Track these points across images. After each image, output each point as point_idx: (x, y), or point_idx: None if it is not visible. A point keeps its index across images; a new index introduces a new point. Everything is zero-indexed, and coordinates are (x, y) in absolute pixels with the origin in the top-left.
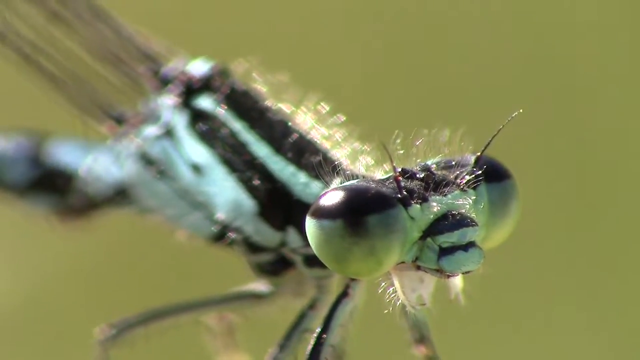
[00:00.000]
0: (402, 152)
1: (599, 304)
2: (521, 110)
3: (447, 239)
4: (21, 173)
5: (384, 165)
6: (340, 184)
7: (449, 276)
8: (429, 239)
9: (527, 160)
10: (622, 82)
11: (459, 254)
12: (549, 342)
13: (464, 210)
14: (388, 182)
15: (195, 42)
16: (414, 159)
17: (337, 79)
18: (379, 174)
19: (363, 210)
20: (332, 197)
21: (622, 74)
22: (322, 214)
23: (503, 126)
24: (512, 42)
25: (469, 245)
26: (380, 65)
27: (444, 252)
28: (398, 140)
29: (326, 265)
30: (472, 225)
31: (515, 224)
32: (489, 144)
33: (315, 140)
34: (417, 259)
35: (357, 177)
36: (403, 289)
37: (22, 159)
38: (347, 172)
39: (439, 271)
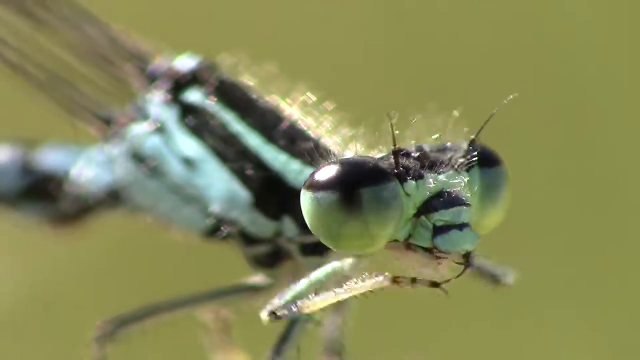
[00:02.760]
0: (397, 132)
1: (598, 302)
2: (516, 94)
3: (442, 217)
4: (11, 182)
5: (377, 147)
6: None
7: (438, 257)
8: (422, 217)
9: (524, 152)
10: (622, 73)
11: (454, 233)
12: (548, 339)
13: (458, 189)
14: (384, 159)
15: (179, 37)
16: (409, 140)
17: (327, 66)
18: (373, 153)
19: (359, 183)
20: (328, 170)
21: (624, 65)
22: (318, 186)
23: (496, 110)
24: (510, 27)
25: (463, 225)
26: (372, 51)
27: (439, 230)
28: (394, 120)
29: (320, 238)
30: (466, 204)
31: (505, 211)
32: (482, 128)
33: (306, 127)
34: (409, 236)
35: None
36: (415, 270)
37: (11, 168)
38: (341, 155)
39: (431, 251)
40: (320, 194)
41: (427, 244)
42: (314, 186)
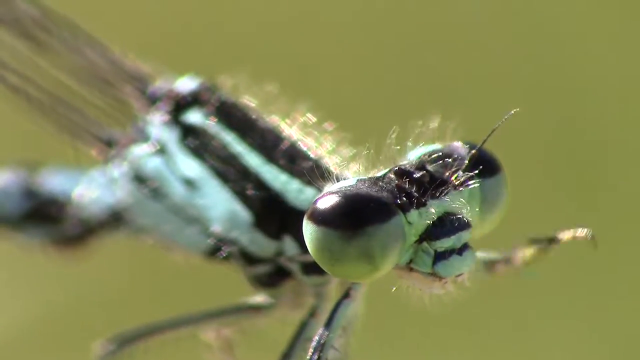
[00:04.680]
0: (397, 148)
1: (599, 306)
2: (517, 109)
3: (444, 244)
4: (15, 205)
5: (377, 167)
6: (338, 185)
7: (441, 279)
8: (424, 243)
9: (523, 157)
10: (621, 76)
11: (454, 259)
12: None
13: (459, 213)
14: (385, 181)
15: (180, 59)
16: (409, 151)
17: (326, 84)
18: (373, 172)
19: (364, 221)
20: (332, 202)
21: (622, 67)
22: (322, 220)
23: (498, 125)
24: (507, 35)
25: (463, 248)
26: (373, 70)
27: (440, 256)
28: (393, 136)
29: (322, 267)
30: (467, 228)
31: (504, 212)
32: (483, 142)
33: (306, 147)
34: (411, 261)
35: (354, 178)
36: (419, 288)
37: (15, 191)
38: (341, 175)
39: (432, 274)
40: (324, 228)
41: (428, 270)
42: (317, 218)
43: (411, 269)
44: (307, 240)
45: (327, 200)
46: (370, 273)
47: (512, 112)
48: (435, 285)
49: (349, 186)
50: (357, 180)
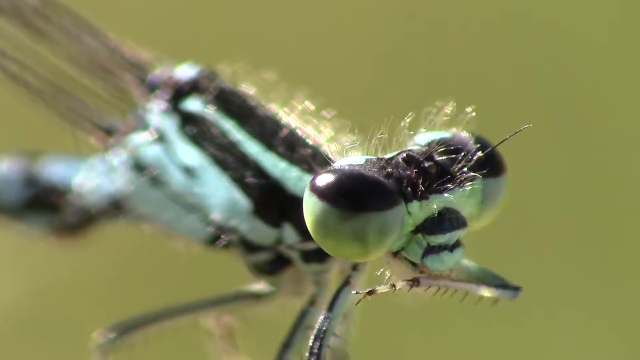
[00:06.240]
0: (411, 132)
1: (603, 304)
2: (530, 125)
3: (438, 239)
4: (15, 194)
5: (386, 150)
6: (346, 160)
7: (422, 271)
8: (419, 235)
9: (528, 153)
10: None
11: (444, 255)
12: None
13: (458, 211)
14: (392, 165)
15: (179, 47)
16: (418, 136)
17: (325, 71)
18: (382, 154)
19: (366, 205)
20: (337, 179)
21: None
22: (323, 195)
23: (509, 137)
24: (513, 37)
25: (454, 245)
26: (374, 58)
27: (430, 250)
28: (408, 120)
29: (315, 240)
30: (463, 227)
31: (499, 211)
32: (496, 146)
33: (306, 135)
34: (402, 249)
35: (362, 157)
36: (396, 274)
37: (15, 180)
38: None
39: (418, 266)
40: (324, 203)
41: (417, 261)
42: (319, 191)
43: (396, 255)
44: (305, 210)
45: (332, 175)
46: (362, 255)
47: (525, 127)
48: (415, 275)
49: (356, 165)
50: (366, 159)
